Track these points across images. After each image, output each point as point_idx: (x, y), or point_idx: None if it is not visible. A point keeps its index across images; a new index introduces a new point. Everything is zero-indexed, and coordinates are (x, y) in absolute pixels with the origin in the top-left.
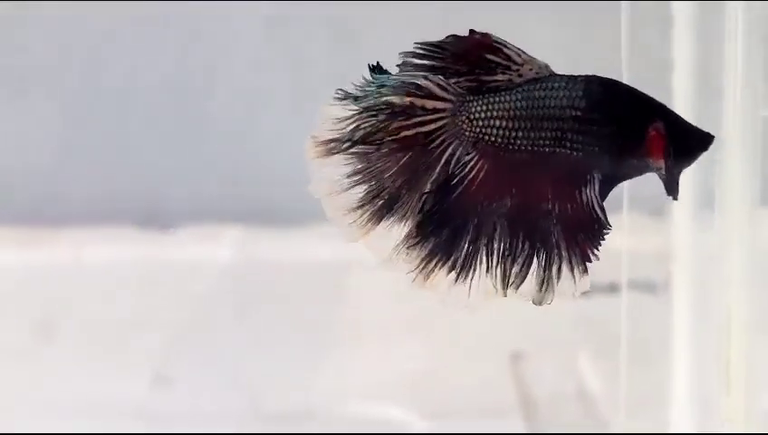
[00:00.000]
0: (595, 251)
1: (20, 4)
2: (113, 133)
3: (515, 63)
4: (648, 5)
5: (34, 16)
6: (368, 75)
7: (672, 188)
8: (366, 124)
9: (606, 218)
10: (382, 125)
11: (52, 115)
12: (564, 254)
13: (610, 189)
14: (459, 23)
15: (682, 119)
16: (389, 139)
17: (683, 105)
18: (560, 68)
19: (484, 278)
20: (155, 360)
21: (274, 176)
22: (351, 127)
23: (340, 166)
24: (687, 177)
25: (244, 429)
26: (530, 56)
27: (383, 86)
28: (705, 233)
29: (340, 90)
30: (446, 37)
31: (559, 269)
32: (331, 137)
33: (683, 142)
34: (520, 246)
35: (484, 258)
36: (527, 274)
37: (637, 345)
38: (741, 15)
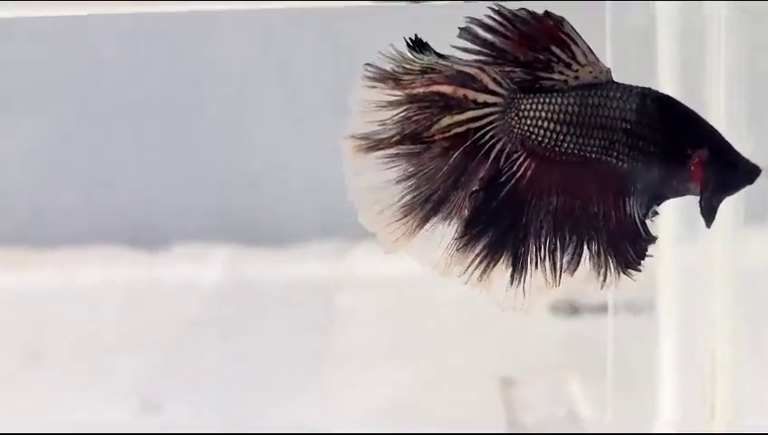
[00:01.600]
0: (640, 262)
1: (3, 21)
2: (100, 152)
3: (578, 63)
4: (632, 13)
5: (19, 33)
6: (400, 47)
7: (708, 217)
8: (417, 116)
9: (648, 232)
10: (435, 119)
11: (39, 134)
12: (612, 257)
13: (655, 205)
14: (453, 29)
15: (731, 148)
16: (441, 136)
17: None
18: None
19: (535, 275)
20: (142, 383)
21: (263, 196)
22: (400, 118)
23: (384, 169)
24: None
25: None
26: (595, 57)
27: (430, 70)
28: (689, 250)
29: (371, 66)
30: (519, 10)
31: (610, 262)
32: (373, 129)
33: (728, 173)
34: (567, 238)
35: (534, 255)
36: (579, 261)
37: (623, 368)
38: (723, 20)
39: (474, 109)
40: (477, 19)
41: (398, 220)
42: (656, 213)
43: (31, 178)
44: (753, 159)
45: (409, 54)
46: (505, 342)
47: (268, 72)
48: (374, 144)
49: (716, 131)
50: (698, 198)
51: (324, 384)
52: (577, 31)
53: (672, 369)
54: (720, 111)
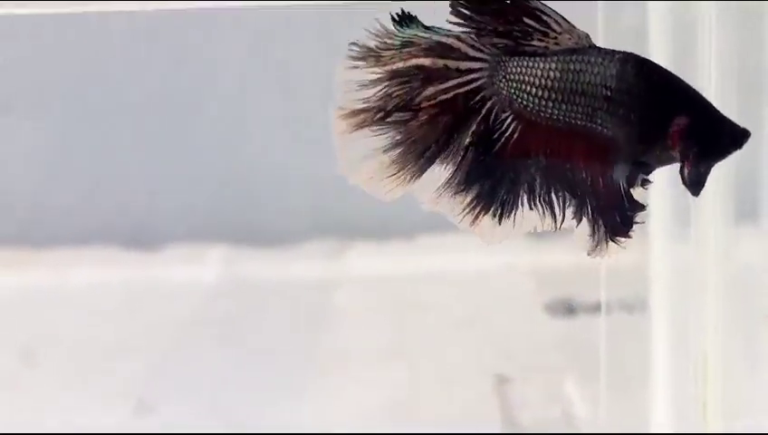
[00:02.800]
0: (627, 230)
1: (3, 20)
2: (98, 154)
3: (553, 31)
4: (623, 8)
5: (19, 32)
6: (385, 22)
7: (694, 186)
8: (399, 91)
9: (631, 201)
10: (416, 91)
11: (37, 135)
12: (601, 222)
13: (643, 173)
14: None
15: (716, 113)
16: (428, 104)
17: None
18: None
19: (528, 213)
20: (138, 384)
21: (260, 196)
22: (381, 95)
23: (373, 139)
24: (663, 194)
25: None
26: (570, 25)
27: (409, 44)
28: (681, 250)
29: (355, 45)
30: None
31: (601, 227)
32: (360, 107)
33: (713, 139)
34: (564, 194)
35: (525, 199)
36: (581, 219)
37: (616, 367)
38: (714, 21)
39: (457, 76)
40: (457, 2)
41: (390, 176)
42: (647, 181)
43: (29, 179)
44: (744, 155)
45: (392, 28)
46: (501, 341)
47: (265, 72)
48: (360, 121)
49: (700, 97)
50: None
51: (321, 383)
52: (545, 3)
53: (665, 368)
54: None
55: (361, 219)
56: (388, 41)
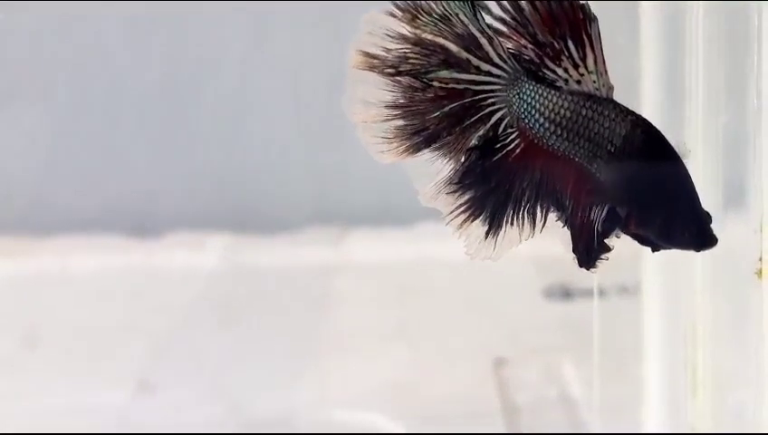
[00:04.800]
0: (588, 265)
1: (5, 6)
2: (99, 141)
3: (585, 68)
4: (616, 8)
5: (20, 22)
6: None
7: (653, 250)
8: (415, 59)
9: (600, 245)
10: (432, 68)
11: (38, 123)
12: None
13: (619, 227)
14: None
15: (694, 211)
16: (438, 85)
17: (651, 111)
18: None
19: (510, 230)
20: (139, 368)
21: (260, 183)
22: (399, 54)
23: (380, 90)
24: None
25: None
26: (605, 69)
27: (446, 20)
28: None
29: None
30: None
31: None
32: (376, 52)
33: (675, 235)
34: (549, 205)
35: (510, 216)
36: (566, 223)
37: (611, 350)
38: (702, 23)
39: (475, 74)
40: None
41: (384, 139)
42: (618, 236)
43: (32, 167)
44: (731, 142)
45: None
46: (500, 324)
47: (266, 60)
48: (375, 66)
49: (686, 191)
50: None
51: (321, 366)
52: (600, 37)
53: (657, 349)
54: (699, 110)
55: (361, 206)
56: (433, 4)
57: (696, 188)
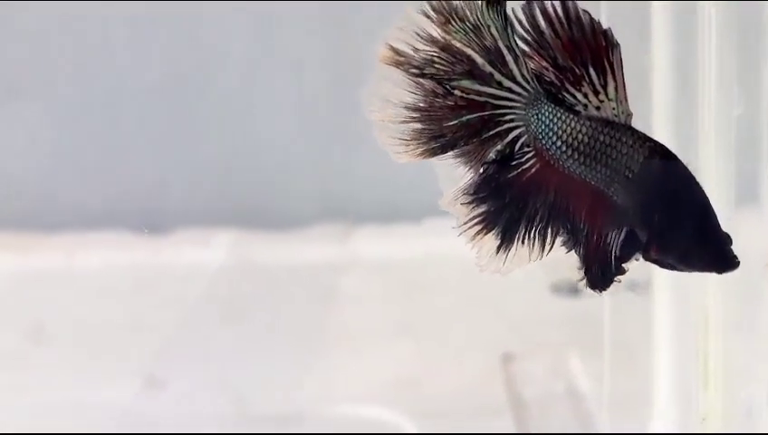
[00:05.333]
0: (602, 287)
1: (7, 5)
2: (105, 137)
3: (606, 95)
4: (626, 7)
5: (23, 17)
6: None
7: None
8: (440, 65)
9: (617, 266)
10: (455, 77)
11: (43, 119)
12: (585, 270)
13: (635, 250)
14: None
15: (713, 235)
16: (459, 94)
17: (662, 106)
18: None
19: (520, 248)
20: (145, 363)
21: (266, 179)
22: (426, 56)
23: (403, 90)
24: None
25: (232, 431)
26: (625, 96)
27: (478, 30)
28: None
29: None
30: (585, 12)
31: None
32: (404, 49)
33: (693, 260)
34: (560, 228)
35: (523, 234)
36: (572, 248)
37: (621, 344)
38: (714, 17)
39: (497, 88)
40: (542, 1)
41: (401, 139)
42: (637, 259)
43: (38, 163)
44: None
45: (477, 2)
46: (507, 319)
47: (273, 56)
48: (401, 63)
49: (706, 215)
50: None
51: (328, 362)
52: (623, 64)
53: (667, 343)
54: (711, 104)
55: (369, 202)
56: (468, 12)
57: (712, 203)
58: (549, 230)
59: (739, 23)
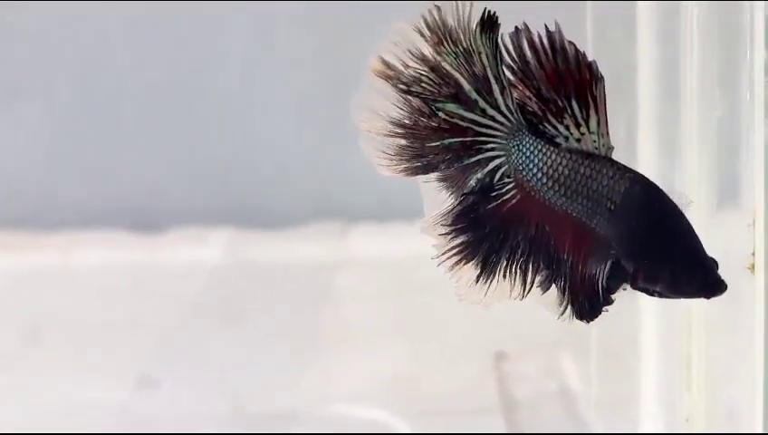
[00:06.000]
0: (590, 317)
1: (7, 5)
2: (102, 136)
3: (587, 128)
4: (612, 7)
5: (22, 18)
6: (470, 12)
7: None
8: (427, 85)
9: (605, 298)
10: (441, 98)
11: (41, 118)
12: (570, 302)
13: (621, 281)
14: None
15: (698, 260)
16: (443, 116)
17: (646, 107)
18: None
19: (501, 282)
20: (141, 363)
21: (263, 178)
22: (415, 74)
23: (390, 104)
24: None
25: (229, 431)
26: (607, 130)
27: (468, 55)
28: None
29: (437, 9)
30: (571, 44)
31: (569, 302)
32: (394, 63)
33: (681, 286)
34: (540, 265)
35: (504, 267)
36: (549, 286)
37: (608, 345)
38: (696, 19)
39: (480, 115)
40: (529, 31)
41: (385, 153)
42: (624, 289)
43: (35, 163)
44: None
45: (472, 26)
46: (500, 320)
47: (268, 56)
48: (391, 77)
49: (691, 242)
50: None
51: (324, 361)
52: (605, 97)
53: (652, 344)
54: (693, 105)
55: (364, 201)
56: (461, 35)
57: (696, 235)
58: (530, 266)
59: (720, 24)
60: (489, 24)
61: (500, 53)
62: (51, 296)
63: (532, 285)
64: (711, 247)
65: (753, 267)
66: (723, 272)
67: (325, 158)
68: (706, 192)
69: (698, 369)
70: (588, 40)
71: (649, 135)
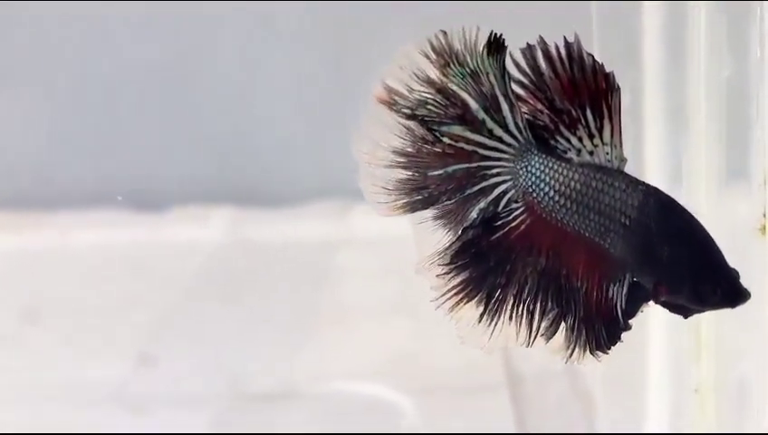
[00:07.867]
0: (609, 346)
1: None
2: (101, 116)
3: (600, 139)
4: (618, 13)
5: (20, 3)
6: (476, 35)
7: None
8: (434, 107)
9: (625, 322)
10: (447, 120)
11: (40, 99)
12: (583, 334)
13: (642, 301)
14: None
15: (720, 269)
16: (448, 140)
17: (653, 69)
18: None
19: (507, 325)
20: (140, 342)
21: (264, 157)
22: (420, 97)
23: (392, 133)
24: (655, 149)
25: (229, 409)
26: (620, 141)
27: (476, 76)
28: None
29: (443, 35)
30: (589, 55)
31: (581, 338)
32: (398, 89)
33: (703, 298)
34: (548, 304)
35: (510, 307)
36: (557, 330)
37: None
38: (705, 30)
39: (487, 137)
40: (545, 43)
41: (384, 188)
42: (642, 311)
43: (34, 143)
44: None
45: (478, 48)
46: None
47: (270, 34)
48: (394, 103)
49: (711, 252)
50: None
51: (325, 339)
52: (621, 109)
53: (659, 314)
54: (701, 69)
55: None
56: (468, 57)
57: (705, 230)
58: (537, 306)
59: (731, 29)
60: (496, 45)
61: (508, 73)
62: (50, 276)
63: (538, 332)
64: (721, 211)
65: (764, 229)
66: (734, 238)
67: (325, 136)
68: (716, 154)
69: (708, 337)
70: (593, 41)
71: (655, 98)
